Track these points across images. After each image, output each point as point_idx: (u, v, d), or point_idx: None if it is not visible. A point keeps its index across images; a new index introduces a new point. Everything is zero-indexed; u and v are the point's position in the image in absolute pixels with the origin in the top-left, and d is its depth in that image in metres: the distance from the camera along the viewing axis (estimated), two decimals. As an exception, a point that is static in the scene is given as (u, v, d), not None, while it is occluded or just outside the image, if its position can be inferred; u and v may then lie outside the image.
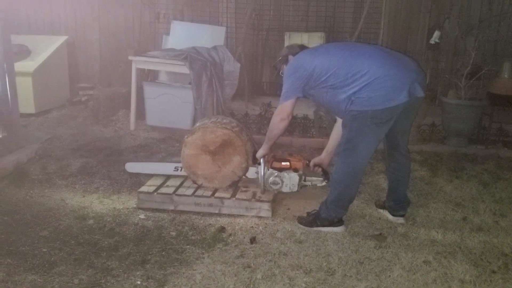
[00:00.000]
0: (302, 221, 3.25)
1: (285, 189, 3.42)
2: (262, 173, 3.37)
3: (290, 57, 3.21)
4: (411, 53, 6.02)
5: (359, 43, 3.15)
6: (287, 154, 3.62)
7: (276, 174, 3.39)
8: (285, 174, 3.41)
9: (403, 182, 3.33)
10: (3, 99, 4.16)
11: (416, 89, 2.87)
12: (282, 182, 3.40)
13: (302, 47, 3.25)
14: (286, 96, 3.08)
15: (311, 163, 3.53)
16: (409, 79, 2.86)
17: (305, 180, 3.49)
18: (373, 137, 2.96)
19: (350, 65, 2.90)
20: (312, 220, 3.22)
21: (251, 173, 3.58)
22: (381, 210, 3.47)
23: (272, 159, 3.44)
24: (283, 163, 3.43)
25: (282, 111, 3.10)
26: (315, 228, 3.18)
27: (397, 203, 3.36)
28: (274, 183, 3.40)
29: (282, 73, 3.25)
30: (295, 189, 3.44)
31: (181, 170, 3.65)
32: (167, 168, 3.80)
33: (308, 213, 3.31)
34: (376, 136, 2.97)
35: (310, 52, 3.14)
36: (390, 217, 3.37)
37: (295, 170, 3.43)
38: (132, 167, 4.00)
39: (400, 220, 3.34)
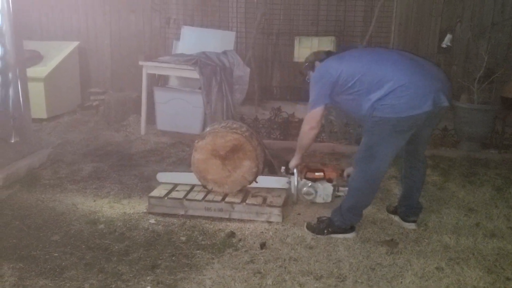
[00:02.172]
0: (312, 228, 3.21)
1: (318, 200, 3.41)
2: (296, 183, 3.35)
3: (317, 63, 3.16)
4: (422, 57, 6.00)
5: (385, 49, 3.09)
6: (320, 164, 3.59)
7: (310, 184, 3.38)
8: (319, 184, 3.39)
9: (417, 188, 3.29)
10: (15, 104, 4.19)
11: (441, 98, 2.83)
12: (316, 192, 3.39)
13: (329, 53, 3.20)
14: (314, 103, 3.03)
15: (345, 173, 3.46)
16: (434, 88, 2.82)
17: (338, 191, 3.43)
18: (394, 145, 2.93)
19: (375, 72, 2.87)
20: (324, 227, 3.17)
21: (283, 183, 3.53)
22: (393, 216, 3.43)
23: (306, 169, 3.40)
24: (316, 174, 3.40)
25: (311, 120, 3.06)
26: (325, 236, 3.14)
27: (409, 208, 3.32)
28: (308, 193, 3.39)
29: (308, 79, 3.20)
30: (329, 199, 3.41)
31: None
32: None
33: (318, 219, 3.27)
34: (397, 143, 2.94)
35: (337, 58, 3.08)
36: (402, 223, 3.33)
37: (329, 181, 3.41)
38: (164, 177, 3.78)
39: (412, 226, 3.30)
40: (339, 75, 2.93)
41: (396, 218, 3.39)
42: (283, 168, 3.76)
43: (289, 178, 3.43)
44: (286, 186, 3.51)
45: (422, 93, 2.80)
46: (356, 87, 2.90)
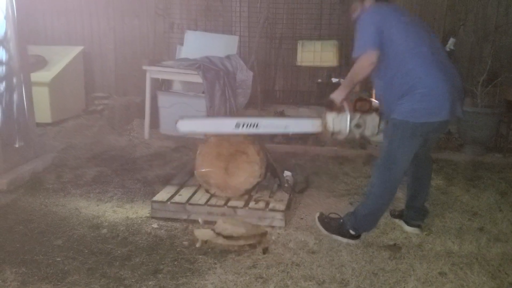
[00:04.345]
0: (323, 223, 3.20)
1: (367, 132, 3.13)
2: (348, 118, 3.02)
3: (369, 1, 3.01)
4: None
5: (422, 29, 2.94)
6: (360, 95, 3.36)
7: (359, 116, 3.06)
8: (367, 116, 3.08)
9: (424, 190, 3.26)
10: (20, 109, 4.21)
11: (457, 109, 2.83)
12: (365, 123, 3.08)
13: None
14: (364, 45, 2.83)
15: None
16: (452, 97, 2.79)
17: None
18: (411, 149, 2.90)
19: (407, 60, 2.80)
20: (335, 228, 3.14)
21: (317, 125, 3.17)
22: (397, 220, 3.41)
23: (355, 100, 3.09)
24: (363, 105, 3.11)
25: (370, 57, 2.81)
26: (333, 236, 3.13)
27: (415, 211, 3.29)
28: (358, 125, 3.06)
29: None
30: (376, 131, 3.13)
31: (244, 127, 3.27)
32: (226, 124, 3.39)
33: (330, 216, 3.26)
34: (414, 148, 2.91)
35: (393, 9, 2.96)
36: (406, 227, 3.30)
37: (376, 111, 3.11)
38: (184, 125, 3.44)
39: (416, 231, 3.26)
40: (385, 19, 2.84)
41: (400, 223, 3.37)
42: (285, 172, 3.78)
43: (325, 118, 3.10)
44: (320, 129, 3.18)
45: (442, 100, 2.77)
46: (385, 58, 2.81)
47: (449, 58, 2.97)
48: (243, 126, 3.28)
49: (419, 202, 3.28)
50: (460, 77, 2.93)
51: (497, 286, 2.65)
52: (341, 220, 3.15)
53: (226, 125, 3.38)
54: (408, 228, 3.29)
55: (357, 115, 3.06)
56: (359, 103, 3.08)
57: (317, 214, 3.28)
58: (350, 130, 3.06)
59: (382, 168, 2.95)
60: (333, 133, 3.10)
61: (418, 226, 3.28)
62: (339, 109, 3.03)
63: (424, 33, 2.91)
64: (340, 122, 3.05)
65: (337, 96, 3.01)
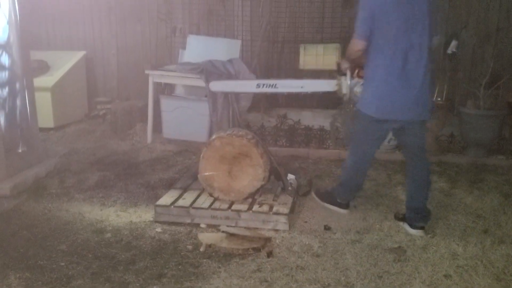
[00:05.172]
0: (319, 194, 3.74)
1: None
2: (349, 82, 3.38)
3: None
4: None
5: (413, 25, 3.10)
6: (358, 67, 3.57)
7: (362, 83, 3.33)
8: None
9: (422, 192, 3.31)
10: (22, 114, 4.22)
11: (411, 113, 3.12)
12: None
13: None
14: (356, 30, 3.13)
15: None
16: (403, 103, 3.09)
17: None
18: (370, 135, 3.27)
19: (384, 50, 3.07)
20: (326, 198, 3.66)
21: (332, 85, 3.53)
22: (401, 223, 3.41)
23: (357, 68, 3.38)
24: (362, 72, 3.40)
25: (357, 45, 3.14)
26: (324, 205, 3.64)
27: (416, 213, 3.30)
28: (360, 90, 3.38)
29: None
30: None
31: (264, 87, 3.76)
32: (249, 85, 4.05)
33: (326, 188, 3.80)
34: (373, 135, 3.27)
35: None
36: (410, 230, 3.30)
37: None
38: (215, 85, 4.21)
39: (420, 233, 3.27)
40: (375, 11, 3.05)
41: (404, 225, 3.37)
42: (289, 175, 3.78)
43: (339, 79, 3.46)
44: (335, 88, 3.51)
45: (391, 103, 3.09)
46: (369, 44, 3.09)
47: (424, 63, 3.08)
48: (263, 86, 3.78)
49: (418, 203, 3.31)
50: (424, 85, 3.09)
51: (502, 288, 2.65)
52: (330, 190, 3.68)
53: (249, 86, 4.09)
54: (412, 231, 3.29)
55: (360, 82, 3.37)
56: (360, 71, 3.39)
57: (314, 190, 3.79)
58: (350, 91, 3.42)
59: (351, 146, 3.49)
60: (342, 94, 3.48)
61: (422, 228, 3.29)
62: (345, 74, 3.42)
63: (411, 31, 3.03)
64: (343, 84, 3.44)
65: (343, 63, 3.44)
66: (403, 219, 3.42)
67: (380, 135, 3.32)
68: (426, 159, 3.32)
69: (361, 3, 3.09)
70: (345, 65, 3.41)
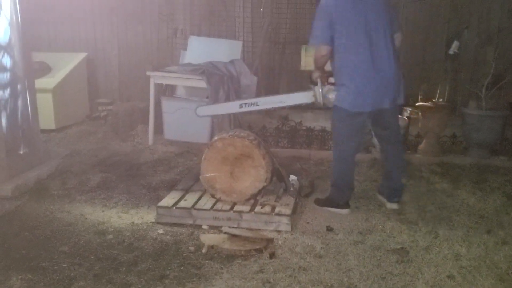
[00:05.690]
0: (318, 201, 3.75)
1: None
2: (320, 90, 3.53)
3: None
4: (429, 64, 5.98)
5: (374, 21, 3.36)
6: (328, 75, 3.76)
7: (333, 88, 3.51)
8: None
9: (396, 171, 3.69)
10: (24, 116, 4.22)
11: (384, 102, 3.38)
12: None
13: None
14: (317, 38, 3.40)
15: None
16: (377, 93, 3.34)
17: None
18: (350, 129, 3.46)
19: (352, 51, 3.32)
20: (325, 202, 3.68)
21: (309, 97, 3.66)
22: (381, 197, 3.80)
23: (327, 76, 3.57)
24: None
25: (321, 51, 3.41)
26: (324, 209, 3.64)
27: (392, 190, 3.71)
28: (332, 97, 3.53)
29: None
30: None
31: (246, 106, 3.95)
32: (232, 106, 4.20)
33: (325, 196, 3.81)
34: (353, 128, 3.46)
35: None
36: (386, 203, 3.72)
37: None
38: (203, 111, 4.32)
39: (394, 206, 3.68)
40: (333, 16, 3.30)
41: (382, 199, 3.77)
42: (291, 176, 3.77)
43: (313, 89, 3.60)
44: (312, 99, 3.65)
45: (364, 96, 3.32)
46: (333, 48, 3.33)
47: (390, 52, 3.37)
48: (245, 105, 3.95)
49: (395, 183, 3.70)
50: (394, 73, 3.38)
51: (506, 289, 2.64)
52: (327, 195, 3.73)
53: (232, 107, 4.20)
54: (388, 204, 3.71)
55: (332, 88, 3.53)
56: (331, 79, 3.58)
57: (314, 201, 3.78)
58: (323, 97, 3.56)
59: (334, 145, 3.67)
60: (318, 102, 3.62)
61: (397, 202, 3.71)
62: (316, 83, 3.57)
63: (371, 27, 3.30)
64: (317, 93, 3.58)
65: (313, 73, 3.58)
66: (382, 193, 3.80)
67: (356, 127, 3.50)
68: (401, 143, 3.78)
69: (318, 12, 3.39)
70: (315, 74, 3.54)
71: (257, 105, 3.95)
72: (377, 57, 3.33)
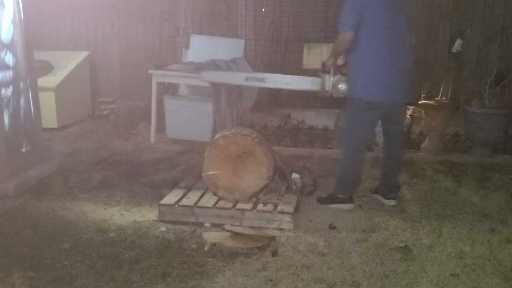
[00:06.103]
0: (321, 200, 3.73)
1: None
2: (332, 78, 3.53)
3: None
4: (432, 62, 5.96)
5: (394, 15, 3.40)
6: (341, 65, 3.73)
7: (344, 79, 3.51)
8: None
9: (396, 168, 3.74)
10: (26, 114, 4.22)
11: (399, 96, 3.43)
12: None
13: None
14: (344, 23, 3.35)
15: None
16: (395, 86, 3.38)
17: None
18: (364, 121, 3.46)
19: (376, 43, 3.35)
20: (328, 199, 3.67)
21: (316, 84, 3.64)
22: (375, 195, 3.83)
23: (341, 65, 3.56)
24: (345, 69, 3.58)
25: (345, 36, 3.35)
26: (328, 206, 3.63)
27: (389, 187, 3.73)
28: (342, 87, 3.54)
29: None
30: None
31: (253, 80, 3.96)
32: (238, 77, 4.20)
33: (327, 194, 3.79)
34: (367, 120, 3.47)
35: None
36: (383, 200, 3.74)
37: None
38: (208, 75, 4.35)
39: (392, 202, 3.70)
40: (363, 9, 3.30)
41: (378, 197, 3.79)
42: (293, 174, 3.76)
43: (323, 76, 3.59)
44: (319, 87, 3.63)
45: (384, 87, 3.35)
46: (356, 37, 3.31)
47: (407, 47, 3.44)
48: (252, 79, 3.97)
49: (392, 180, 3.73)
50: (409, 70, 3.45)
51: (510, 287, 2.61)
52: (330, 193, 3.70)
53: (239, 78, 4.19)
54: (385, 201, 3.73)
55: (342, 78, 3.53)
56: (343, 68, 3.57)
57: (316, 200, 3.75)
58: (333, 87, 3.55)
59: (346, 137, 3.62)
60: (326, 91, 3.59)
61: (394, 198, 3.73)
62: (328, 72, 3.56)
63: (393, 21, 3.37)
64: (326, 81, 3.57)
65: (327, 61, 3.58)
66: (376, 192, 3.83)
67: (371, 121, 3.53)
68: (402, 142, 3.78)
69: (348, 1, 3.38)
70: (330, 61, 3.54)
71: (263, 81, 3.93)
72: (396, 54, 3.37)
